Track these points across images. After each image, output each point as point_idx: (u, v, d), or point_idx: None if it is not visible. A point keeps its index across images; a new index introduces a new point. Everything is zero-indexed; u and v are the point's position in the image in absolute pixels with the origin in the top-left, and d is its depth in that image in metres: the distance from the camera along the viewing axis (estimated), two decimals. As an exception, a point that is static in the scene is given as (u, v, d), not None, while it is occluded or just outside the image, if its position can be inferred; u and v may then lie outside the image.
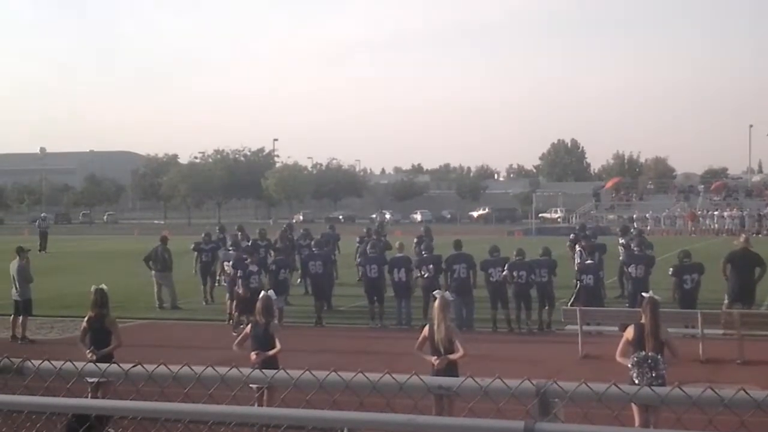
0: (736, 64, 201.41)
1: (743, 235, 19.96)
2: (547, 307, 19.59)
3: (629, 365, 9.53)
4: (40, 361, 4.21)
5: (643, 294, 10.65)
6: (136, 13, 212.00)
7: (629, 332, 9.97)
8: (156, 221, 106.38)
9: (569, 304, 18.67)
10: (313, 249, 22.24)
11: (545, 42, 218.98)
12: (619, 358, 9.97)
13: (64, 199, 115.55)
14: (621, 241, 24.85)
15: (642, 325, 9.88)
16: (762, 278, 18.58)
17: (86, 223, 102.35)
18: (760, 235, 61.46)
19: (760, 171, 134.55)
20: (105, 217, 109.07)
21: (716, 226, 67.35)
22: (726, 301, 17.77)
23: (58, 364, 4.18)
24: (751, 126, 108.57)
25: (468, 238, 22.04)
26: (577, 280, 19.60)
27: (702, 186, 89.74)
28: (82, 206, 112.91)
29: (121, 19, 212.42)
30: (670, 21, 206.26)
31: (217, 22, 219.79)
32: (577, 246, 23.48)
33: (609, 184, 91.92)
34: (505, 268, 19.33)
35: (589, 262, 19.68)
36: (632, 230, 28.65)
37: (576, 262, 21.92)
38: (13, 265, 19.04)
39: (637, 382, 9.28)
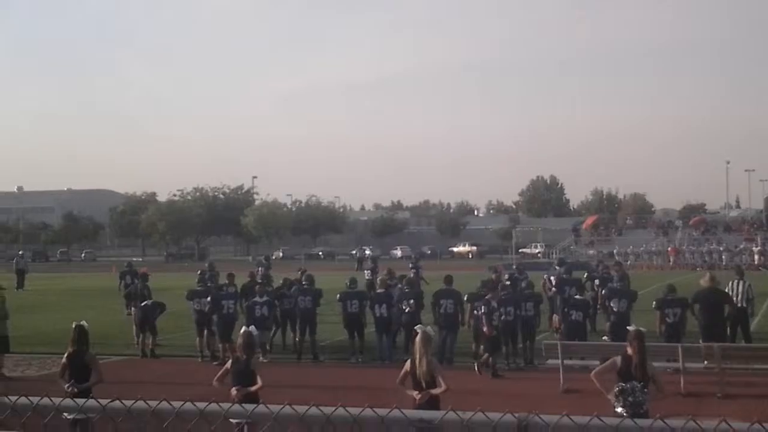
0: (713, 101, 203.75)
1: (708, 273, 20.04)
2: (528, 342, 19.63)
3: (614, 395, 9.54)
4: (17, 397, 4.15)
5: (629, 327, 10.67)
6: (117, 55, 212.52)
7: (617, 361, 9.96)
8: (134, 259, 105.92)
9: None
10: (304, 283, 21.98)
11: (524, 80, 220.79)
12: (594, 377, 10.03)
13: (42, 237, 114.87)
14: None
15: (629, 357, 9.89)
16: (731, 316, 18.68)
17: (64, 261, 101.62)
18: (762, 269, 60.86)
19: (738, 206, 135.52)
20: (83, 254, 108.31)
21: (700, 261, 67.65)
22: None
23: (34, 399, 4.13)
24: (728, 162, 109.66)
25: (453, 273, 21.94)
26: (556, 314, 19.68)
27: (680, 221, 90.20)
28: (59, 244, 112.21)
29: (100, 61, 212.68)
30: (648, 59, 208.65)
31: (197, 63, 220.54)
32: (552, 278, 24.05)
33: (587, 222, 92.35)
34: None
35: (577, 297, 19.62)
36: (599, 264, 29.21)
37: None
38: (-12, 303, 18.89)
39: (619, 410, 9.31)
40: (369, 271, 33.96)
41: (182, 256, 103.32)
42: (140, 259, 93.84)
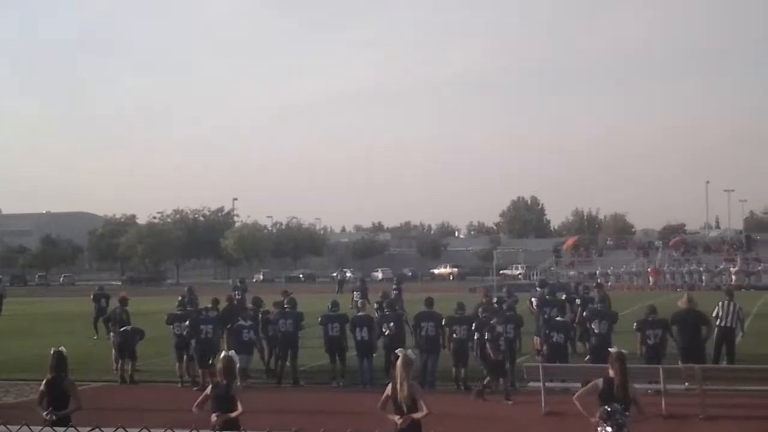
0: (692, 121, 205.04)
1: (686, 295, 20.20)
2: (509, 365, 19.57)
3: (598, 417, 9.53)
4: (-6, 427, 4.10)
5: (610, 349, 10.69)
6: (94, 73, 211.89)
7: (598, 384, 9.97)
8: (113, 282, 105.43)
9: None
10: (285, 307, 21.82)
11: (503, 100, 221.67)
12: (576, 400, 10.04)
13: (20, 261, 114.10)
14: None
15: (611, 379, 9.89)
16: (709, 337, 18.77)
17: (42, 285, 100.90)
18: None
19: (718, 227, 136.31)
20: (61, 278, 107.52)
21: (681, 281, 67.82)
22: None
23: (13, 428, 4.08)
24: (707, 182, 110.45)
25: (434, 295, 21.90)
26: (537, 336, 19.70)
27: (660, 242, 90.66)
28: (38, 268, 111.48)
29: (77, 80, 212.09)
30: (626, 78, 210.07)
31: (175, 83, 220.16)
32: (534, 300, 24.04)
33: (568, 243, 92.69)
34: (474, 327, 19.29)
35: (559, 319, 19.63)
36: (578, 285, 29.35)
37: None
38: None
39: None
40: (359, 293, 33.64)
41: (141, 280, 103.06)
42: (119, 283, 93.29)
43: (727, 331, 19.95)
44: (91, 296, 34.45)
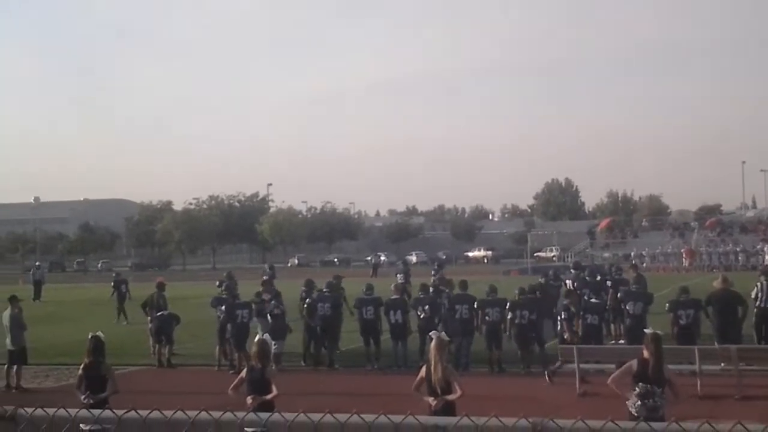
0: (728, 102, 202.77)
1: (721, 275, 19.97)
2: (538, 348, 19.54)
3: (633, 395, 9.54)
4: (33, 409, 4.17)
5: (645, 330, 10.65)
6: (128, 61, 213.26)
7: (633, 365, 9.94)
8: (150, 268, 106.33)
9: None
10: (324, 290, 21.91)
11: (538, 83, 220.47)
12: (611, 383, 10.02)
13: (59, 248, 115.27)
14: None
15: (645, 360, 9.85)
16: (746, 317, 18.54)
17: (80, 272, 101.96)
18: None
19: (754, 206, 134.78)
20: (99, 265, 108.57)
21: (717, 262, 67.03)
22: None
23: (51, 411, 4.15)
24: (743, 162, 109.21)
25: (468, 278, 21.86)
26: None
27: (696, 223, 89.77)
28: (76, 254, 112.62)
29: (113, 69, 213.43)
30: (663, 62, 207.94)
31: (209, 69, 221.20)
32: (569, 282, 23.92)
33: (602, 224, 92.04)
34: (507, 309, 19.30)
35: (593, 300, 19.53)
36: (611, 266, 29.21)
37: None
38: (5, 315, 19.08)
39: (636, 413, 9.32)
40: (402, 275, 33.70)
41: (147, 265, 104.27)
42: (127, 268, 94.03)
43: (766, 311, 19.69)
44: (111, 283, 36.10)
